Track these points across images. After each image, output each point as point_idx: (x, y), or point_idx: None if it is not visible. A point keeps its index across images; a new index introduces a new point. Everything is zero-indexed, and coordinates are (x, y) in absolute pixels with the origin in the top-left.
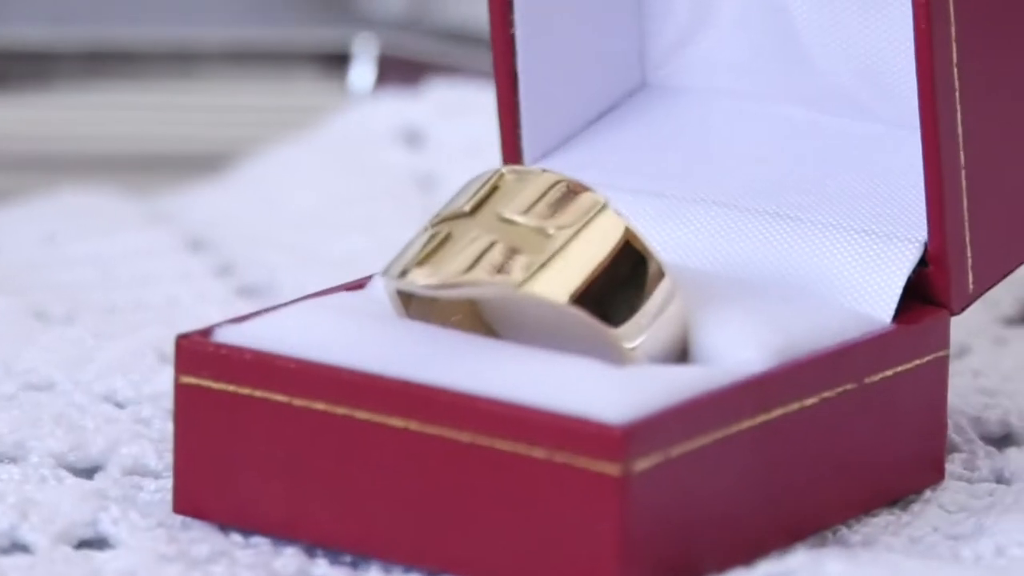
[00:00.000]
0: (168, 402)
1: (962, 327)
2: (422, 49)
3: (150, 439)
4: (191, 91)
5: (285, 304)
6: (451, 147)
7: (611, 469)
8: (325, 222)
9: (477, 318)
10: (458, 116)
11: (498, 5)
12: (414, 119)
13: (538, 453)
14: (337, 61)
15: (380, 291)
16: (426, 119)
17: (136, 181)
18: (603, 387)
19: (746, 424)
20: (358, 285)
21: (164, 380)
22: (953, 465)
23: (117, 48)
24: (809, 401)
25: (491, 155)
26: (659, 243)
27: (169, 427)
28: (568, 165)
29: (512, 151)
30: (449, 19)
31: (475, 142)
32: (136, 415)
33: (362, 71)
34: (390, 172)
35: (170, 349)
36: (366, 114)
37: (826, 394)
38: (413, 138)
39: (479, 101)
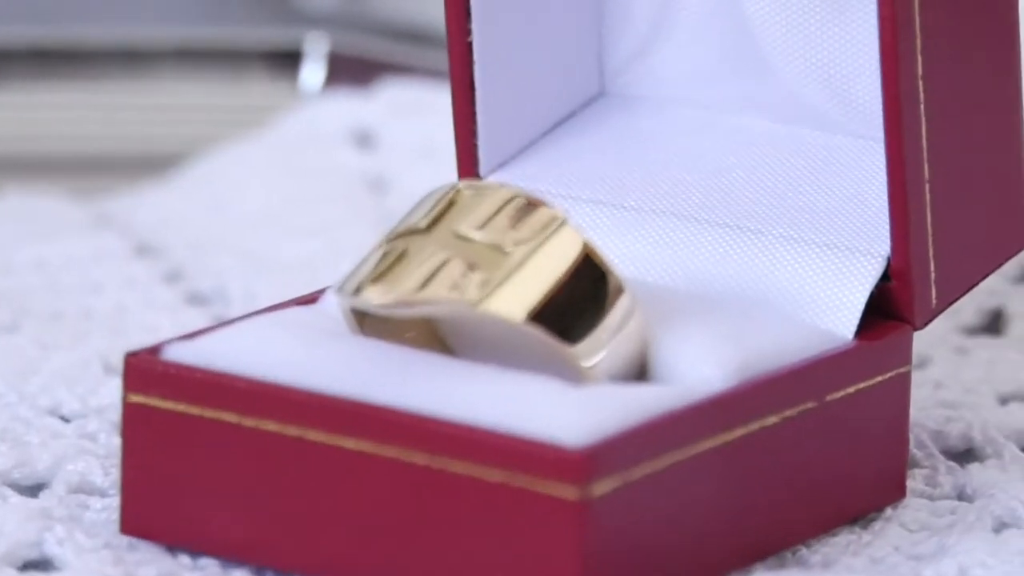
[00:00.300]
0: (115, 415)
1: (923, 337)
2: (374, 48)
3: (96, 455)
4: (138, 90)
5: (236, 320)
6: (403, 148)
7: (570, 493)
8: (275, 225)
9: (433, 335)
10: (410, 116)
11: (455, 13)
12: (365, 119)
13: (495, 476)
14: (287, 60)
15: (333, 306)
16: (378, 119)
17: (83, 183)
18: (561, 408)
19: (707, 445)
20: (311, 299)
21: (110, 392)
22: (914, 481)
23: (63, 47)
24: (770, 420)
25: (445, 157)
26: (617, 256)
27: (115, 442)
28: (525, 175)
29: (468, 161)
30: (401, 17)
31: (428, 143)
32: (82, 429)
33: (313, 70)
34: (341, 174)
35: (117, 360)
36: (316, 114)
37: (787, 413)
38: (364, 139)
39: (432, 101)
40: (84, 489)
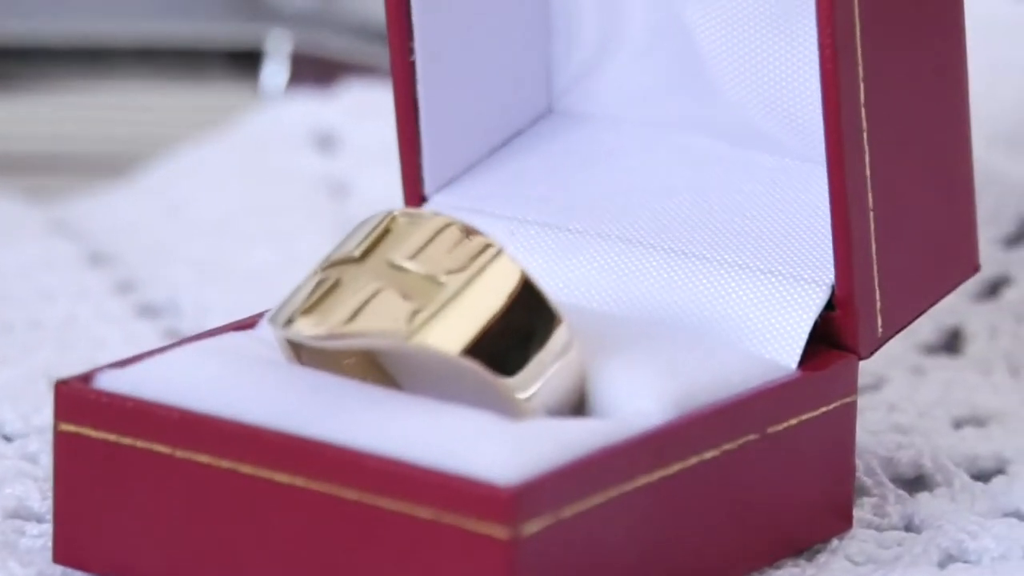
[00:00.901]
0: None
1: (879, 356)
2: (338, 47)
3: (35, 478)
4: (94, 90)
5: (171, 346)
6: (365, 152)
7: (499, 532)
8: (231, 233)
9: (372, 363)
10: (374, 118)
11: (397, 29)
12: (327, 121)
13: (424, 514)
14: (248, 59)
15: (270, 332)
16: (340, 121)
17: (38, 184)
18: (493, 444)
19: (642, 481)
20: (249, 324)
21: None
22: (862, 511)
23: (16, 43)
24: (709, 454)
25: None
26: (561, 281)
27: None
28: (470, 195)
29: (413, 180)
30: (367, 16)
31: (391, 146)
32: (23, 450)
33: (274, 70)
34: (301, 178)
35: (63, 374)
36: (277, 115)
37: (727, 446)
38: (326, 142)
39: None
40: (21, 514)
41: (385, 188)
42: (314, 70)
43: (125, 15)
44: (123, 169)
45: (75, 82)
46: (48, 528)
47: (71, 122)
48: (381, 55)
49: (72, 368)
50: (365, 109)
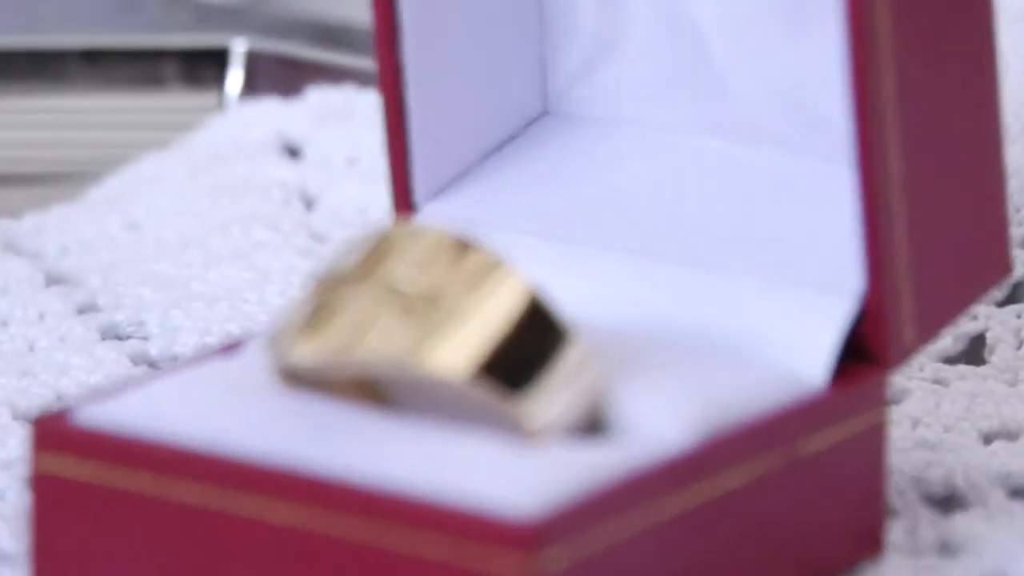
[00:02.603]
0: (25, 469)
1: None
2: (298, 50)
3: (4, 517)
4: (44, 97)
5: (154, 376)
6: (331, 160)
7: (517, 570)
8: (195, 248)
9: (371, 387)
10: (340, 124)
11: (384, 28)
12: (291, 128)
13: (434, 553)
14: (207, 62)
15: (258, 355)
16: (304, 128)
17: None
18: (506, 474)
19: (667, 511)
20: (230, 347)
21: (19, 443)
22: (893, 534)
23: None
24: (735, 480)
25: (377, 168)
26: (564, 296)
27: (26, 500)
28: (463, 205)
29: (402, 189)
30: (327, 15)
31: (359, 154)
32: None
33: (235, 74)
34: (264, 188)
35: (26, 404)
36: (239, 122)
37: (753, 472)
38: (290, 149)
39: (364, 106)
40: None
41: (352, 197)
42: (274, 74)
43: (77, 18)
44: (74, 183)
45: (21, 89)
46: (21, 573)
47: (17, 131)
48: (346, 58)
49: (36, 398)
50: (332, 114)
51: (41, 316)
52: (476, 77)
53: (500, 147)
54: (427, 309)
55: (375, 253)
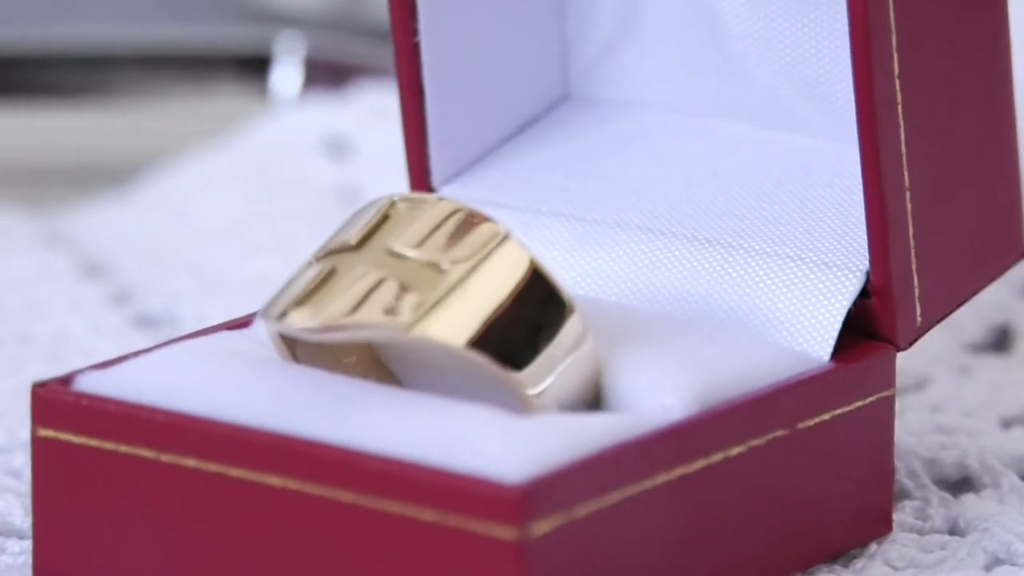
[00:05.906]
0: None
1: (923, 355)
2: (350, 50)
3: (17, 493)
4: (96, 97)
5: (157, 346)
6: (380, 157)
7: (507, 533)
8: (236, 242)
9: (374, 360)
10: (388, 123)
11: (399, 8)
12: (340, 127)
13: (427, 516)
14: (258, 64)
15: (263, 330)
16: (353, 127)
17: (36, 196)
18: (500, 441)
19: (662, 479)
20: (242, 323)
21: None
22: (903, 514)
23: (15, 51)
24: (735, 450)
25: None
26: (580, 273)
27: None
28: (481, 186)
29: (419, 172)
30: (379, 18)
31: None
32: (7, 465)
33: (285, 74)
34: (312, 185)
35: None
36: (288, 122)
37: (754, 442)
38: (339, 148)
39: None
40: (2, 531)
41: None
42: (326, 74)
43: (128, 20)
44: (124, 181)
45: (74, 90)
46: (29, 545)
47: (69, 133)
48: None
49: None
50: (380, 113)
51: (76, 305)
52: (496, 60)
53: (520, 130)
54: (427, 276)
55: (376, 222)
